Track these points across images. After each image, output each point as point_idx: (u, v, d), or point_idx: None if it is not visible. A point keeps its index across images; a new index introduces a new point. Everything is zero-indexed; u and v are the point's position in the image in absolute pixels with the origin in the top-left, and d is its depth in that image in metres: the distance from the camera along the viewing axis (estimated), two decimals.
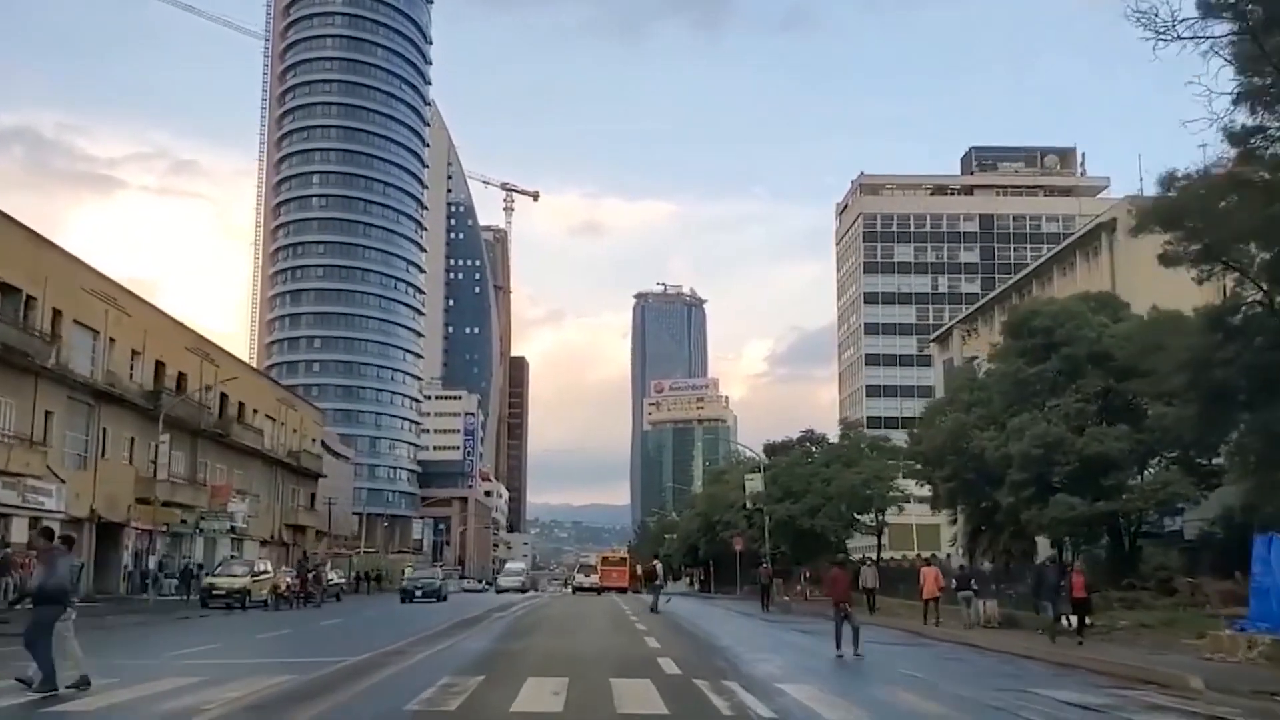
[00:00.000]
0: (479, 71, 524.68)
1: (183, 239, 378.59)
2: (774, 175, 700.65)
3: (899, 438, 56.86)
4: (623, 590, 59.25)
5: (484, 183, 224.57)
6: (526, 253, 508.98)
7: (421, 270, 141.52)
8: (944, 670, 15.48)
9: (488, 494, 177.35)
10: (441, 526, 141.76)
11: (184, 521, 45.80)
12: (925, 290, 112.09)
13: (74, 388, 38.58)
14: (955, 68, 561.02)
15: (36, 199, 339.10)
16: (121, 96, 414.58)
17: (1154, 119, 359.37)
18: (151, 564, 40.67)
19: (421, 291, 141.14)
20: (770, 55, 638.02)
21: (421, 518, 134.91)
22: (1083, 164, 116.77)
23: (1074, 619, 20.00)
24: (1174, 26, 15.44)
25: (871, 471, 49.51)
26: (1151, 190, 20.11)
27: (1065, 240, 62.48)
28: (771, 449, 60.50)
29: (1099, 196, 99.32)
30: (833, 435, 61.47)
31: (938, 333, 78.71)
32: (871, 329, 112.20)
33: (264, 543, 57.45)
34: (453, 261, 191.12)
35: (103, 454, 40.89)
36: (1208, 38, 15.55)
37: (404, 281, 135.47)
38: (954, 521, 42.86)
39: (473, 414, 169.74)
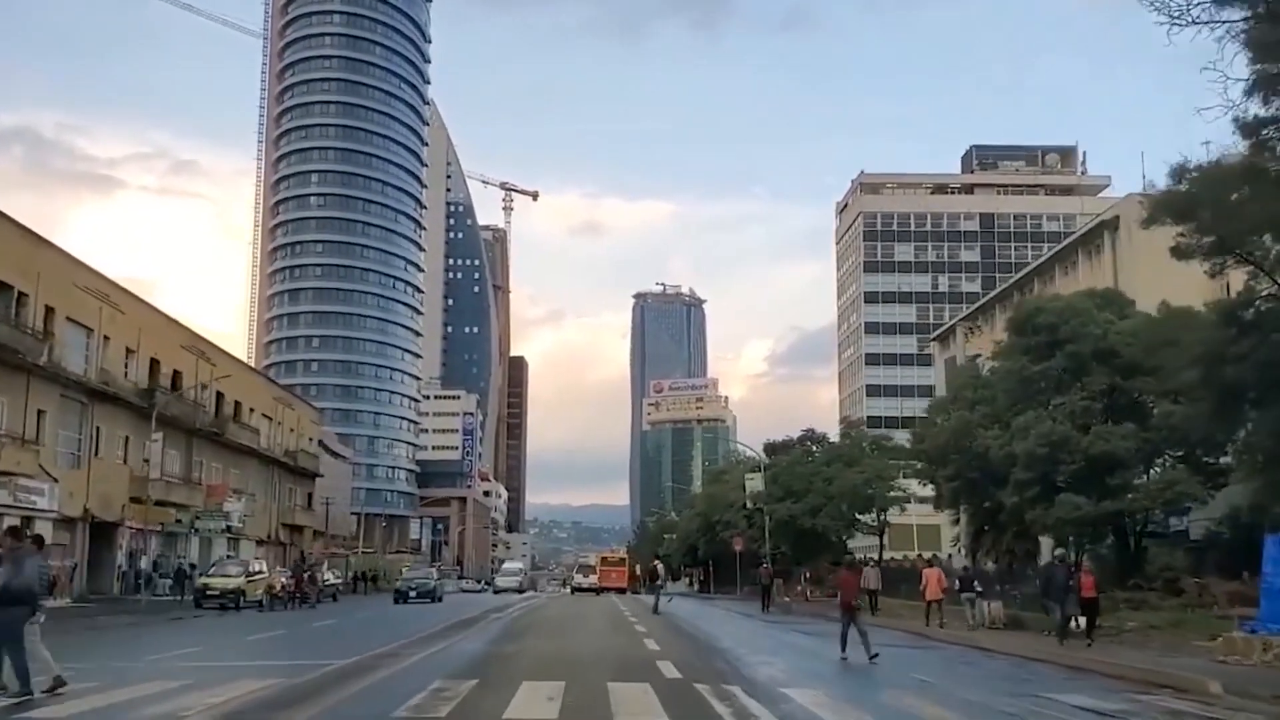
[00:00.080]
0: (478, 71, 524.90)
1: (182, 239, 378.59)
2: (774, 175, 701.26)
3: (900, 437, 56.57)
4: (621, 591, 58.89)
5: (483, 182, 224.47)
6: (526, 252, 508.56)
7: (420, 270, 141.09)
8: (953, 674, 15.05)
9: (486, 494, 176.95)
10: (440, 526, 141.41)
11: (179, 521, 45.32)
12: (925, 289, 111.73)
13: (67, 386, 38.17)
14: (955, 68, 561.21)
15: (36, 199, 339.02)
16: (121, 96, 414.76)
17: (1154, 119, 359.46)
18: (144, 564, 40.18)
19: (420, 291, 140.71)
20: (770, 55, 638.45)
21: (420, 518, 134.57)
22: (1084, 163, 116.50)
23: (1082, 620, 19.55)
24: (1188, 10, 15.02)
25: (873, 471, 49.12)
26: (1156, 187, 19.63)
27: (1067, 239, 62.13)
28: (772, 448, 60.11)
29: (1100, 196, 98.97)
30: (833, 435, 61.24)
31: (938, 332, 78.37)
32: (872, 328, 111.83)
33: (260, 542, 57.06)
34: (452, 261, 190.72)
35: (96, 453, 40.48)
36: (1222, 22, 15.13)
37: (403, 281, 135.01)
38: (956, 521, 42.43)
39: (472, 414, 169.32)
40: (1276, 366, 17.68)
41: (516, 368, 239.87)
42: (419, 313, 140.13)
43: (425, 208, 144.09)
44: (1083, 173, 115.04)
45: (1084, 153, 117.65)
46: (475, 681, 11.83)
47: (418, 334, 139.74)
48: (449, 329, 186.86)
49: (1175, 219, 17.67)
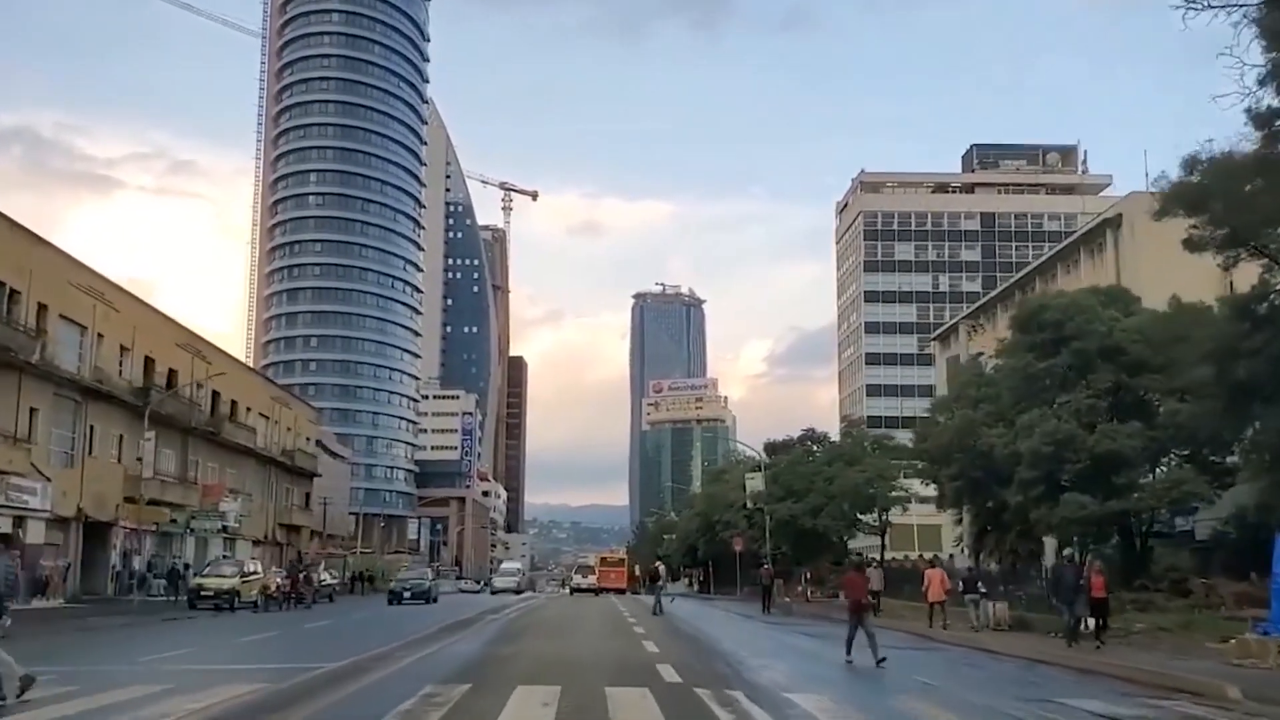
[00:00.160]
0: (478, 71, 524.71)
1: (181, 239, 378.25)
2: (773, 175, 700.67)
3: (900, 437, 56.19)
4: (621, 591, 58.55)
5: (483, 182, 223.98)
6: (525, 252, 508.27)
7: (419, 269, 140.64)
8: (960, 677, 14.64)
9: (485, 494, 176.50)
10: (439, 527, 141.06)
11: (174, 521, 44.98)
12: (926, 289, 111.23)
13: (60, 384, 37.75)
14: (955, 68, 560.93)
15: (35, 199, 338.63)
16: (121, 96, 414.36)
17: (1155, 119, 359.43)
18: (137, 564, 39.75)
19: (419, 291, 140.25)
20: (770, 55, 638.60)
21: (419, 518, 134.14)
22: (1085, 162, 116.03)
23: (1092, 621, 19.11)
24: None
25: (875, 470, 48.69)
26: (1170, 176, 19.20)
27: (1069, 237, 61.78)
28: (772, 448, 59.70)
29: (1101, 195, 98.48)
30: (833, 435, 60.83)
31: (940, 331, 77.99)
32: (872, 328, 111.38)
33: (257, 543, 56.66)
34: (451, 261, 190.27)
35: (90, 452, 40.04)
36: (1239, 5, 14.72)
37: (402, 280, 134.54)
38: (959, 521, 42.02)
39: (471, 414, 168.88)
40: None
41: (516, 368, 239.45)
42: (418, 312, 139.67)
43: (424, 207, 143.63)
44: (1084, 172, 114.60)
45: (1085, 152, 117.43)
46: (468, 686, 11.43)
47: (417, 334, 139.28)
48: (448, 329, 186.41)
49: (1187, 210, 17.26)
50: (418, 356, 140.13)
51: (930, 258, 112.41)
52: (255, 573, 37.32)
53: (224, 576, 35.66)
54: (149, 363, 45.12)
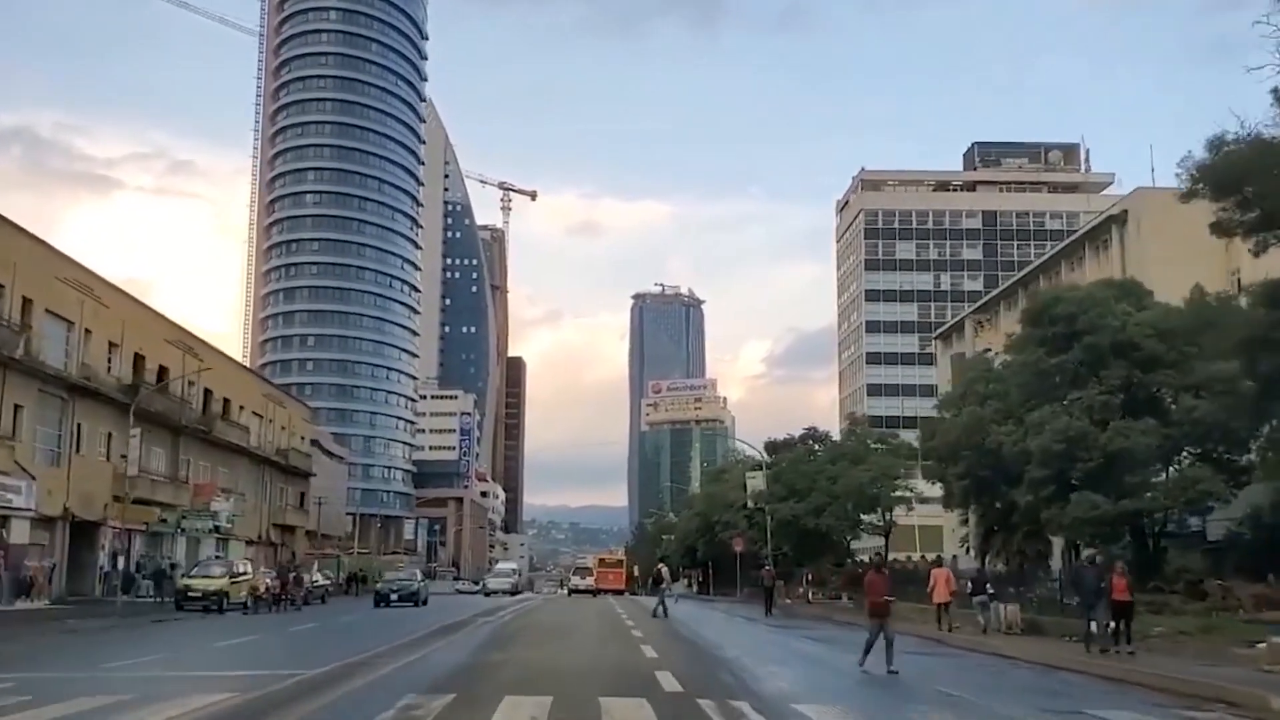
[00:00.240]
0: (476, 70, 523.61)
1: (180, 239, 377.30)
2: (773, 175, 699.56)
3: (902, 436, 55.32)
4: (619, 593, 57.84)
5: (481, 182, 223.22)
6: (524, 252, 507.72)
7: (417, 269, 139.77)
8: (979, 685, 13.74)
9: (484, 495, 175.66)
10: (437, 527, 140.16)
11: (164, 520, 44.13)
12: (927, 288, 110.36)
13: (46, 380, 36.88)
14: (955, 67, 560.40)
15: (34, 199, 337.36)
16: (120, 96, 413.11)
17: (1155, 119, 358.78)
18: (122, 564, 38.81)
19: (417, 290, 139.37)
20: (769, 55, 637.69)
21: (416, 518, 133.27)
22: (1087, 160, 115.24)
23: (1112, 625, 18.23)
24: None
25: (879, 469, 47.83)
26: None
27: (1072, 235, 61.04)
28: (773, 447, 58.85)
29: (1104, 193, 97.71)
30: (834, 436, 59.94)
31: (943, 329, 77.15)
32: (873, 327, 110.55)
33: (250, 543, 55.78)
34: (449, 260, 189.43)
35: (77, 450, 39.14)
36: None
37: (400, 280, 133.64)
38: (964, 522, 41.17)
39: (469, 414, 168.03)
40: None
41: (514, 368, 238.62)
42: (416, 312, 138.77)
43: (422, 206, 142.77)
44: (1086, 170, 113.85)
45: (1087, 150, 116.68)
46: (451, 697, 10.55)
47: (415, 333, 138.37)
48: (446, 329, 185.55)
49: (1215, 192, 16.40)
50: (416, 356, 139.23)
51: (931, 256, 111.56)
52: (245, 573, 36.42)
53: (212, 577, 34.81)
54: (139, 359, 44.25)
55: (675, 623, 27.78)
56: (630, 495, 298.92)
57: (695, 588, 79.93)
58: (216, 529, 48.42)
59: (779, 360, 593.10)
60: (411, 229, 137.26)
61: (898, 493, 48.06)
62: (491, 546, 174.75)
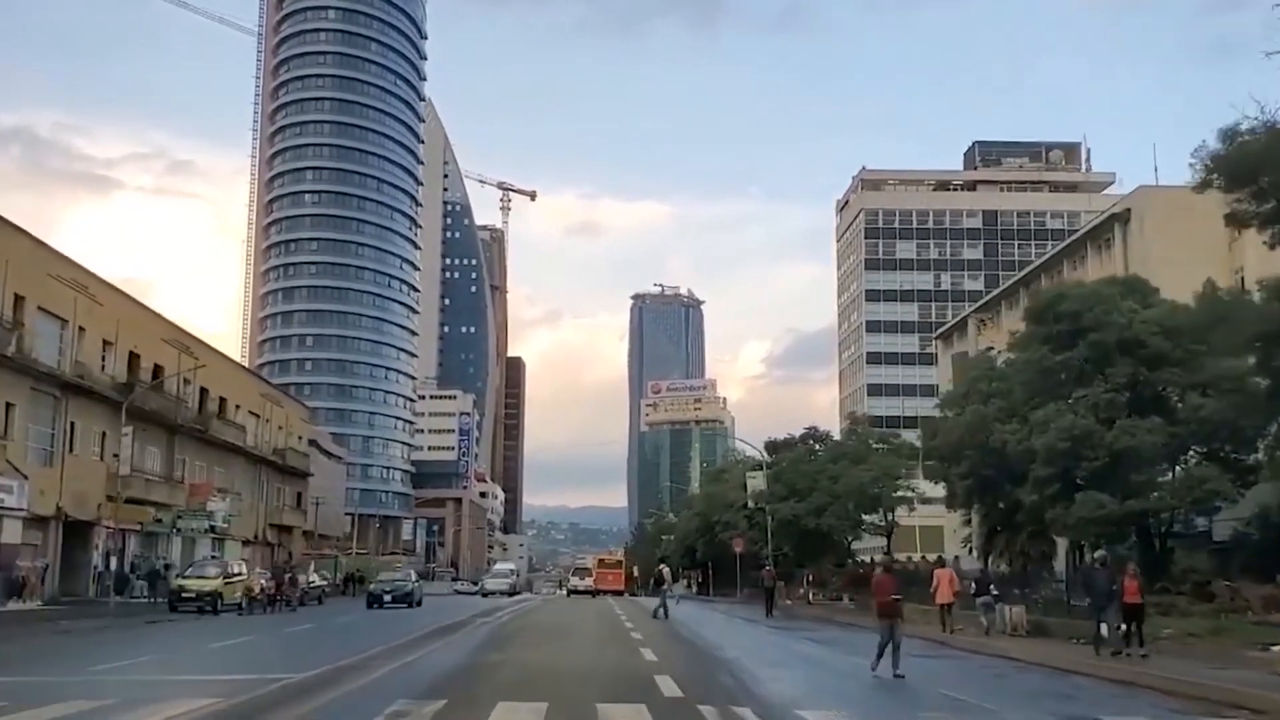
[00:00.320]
0: (476, 70, 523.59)
1: (179, 239, 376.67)
2: (772, 175, 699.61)
3: (903, 436, 54.97)
4: (619, 593, 57.45)
5: (480, 182, 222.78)
6: (523, 253, 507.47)
7: (417, 269, 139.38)
8: (987, 689, 13.34)
9: (483, 495, 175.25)
10: (435, 528, 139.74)
11: (159, 520, 43.70)
12: (928, 287, 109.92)
13: (38, 378, 36.44)
14: (955, 67, 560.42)
15: (34, 199, 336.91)
16: (120, 96, 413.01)
17: (1155, 119, 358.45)
18: (115, 564, 38.44)
19: (416, 290, 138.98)
20: (769, 55, 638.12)
21: (415, 519, 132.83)
22: (1088, 160, 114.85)
23: (1123, 628, 17.83)
24: None
25: (881, 469, 47.44)
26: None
27: (1073, 234, 60.66)
28: (773, 446, 58.48)
29: (1105, 193, 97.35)
30: (834, 436, 59.58)
31: (944, 328, 76.75)
32: (873, 326, 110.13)
33: (247, 543, 55.36)
34: (449, 260, 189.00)
35: (70, 449, 38.70)
36: None
37: (399, 280, 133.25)
38: (967, 522, 40.78)
39: (468, 414, 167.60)
40: None
41: (514, 368, 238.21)
42: (415, 312, 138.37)
43: (421, 206, 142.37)
44: (1087, 170, 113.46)
45: (1088, 150, 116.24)
46: (443, 703, 10.17)
47: (414, 333, 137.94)
48: (445, 329, 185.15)
49: (1229, 183, 16.02)
50: (414, 356, 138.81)
51: (932, 256, 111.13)
52: (239, 574, 35.99)
53: (206, 578, 34.33)
54: (133, 358, 43.81)
55: (675, 624, 27.41)
56: (630, 496, 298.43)
57: (695, 588, 79.53)
58: (212, 529, 48.00)
59: (779, 360, 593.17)
60: (410, 229, 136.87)
61: (899, 493, 47.67)
62: (490, 547, 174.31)
